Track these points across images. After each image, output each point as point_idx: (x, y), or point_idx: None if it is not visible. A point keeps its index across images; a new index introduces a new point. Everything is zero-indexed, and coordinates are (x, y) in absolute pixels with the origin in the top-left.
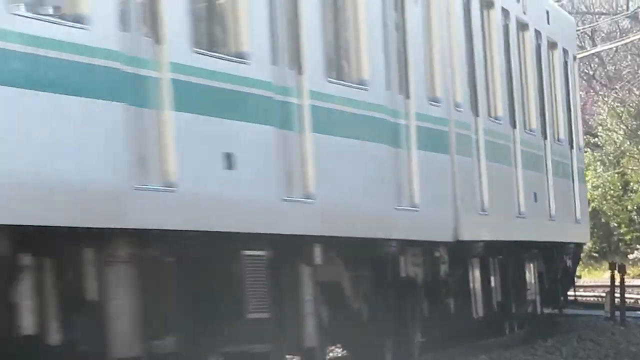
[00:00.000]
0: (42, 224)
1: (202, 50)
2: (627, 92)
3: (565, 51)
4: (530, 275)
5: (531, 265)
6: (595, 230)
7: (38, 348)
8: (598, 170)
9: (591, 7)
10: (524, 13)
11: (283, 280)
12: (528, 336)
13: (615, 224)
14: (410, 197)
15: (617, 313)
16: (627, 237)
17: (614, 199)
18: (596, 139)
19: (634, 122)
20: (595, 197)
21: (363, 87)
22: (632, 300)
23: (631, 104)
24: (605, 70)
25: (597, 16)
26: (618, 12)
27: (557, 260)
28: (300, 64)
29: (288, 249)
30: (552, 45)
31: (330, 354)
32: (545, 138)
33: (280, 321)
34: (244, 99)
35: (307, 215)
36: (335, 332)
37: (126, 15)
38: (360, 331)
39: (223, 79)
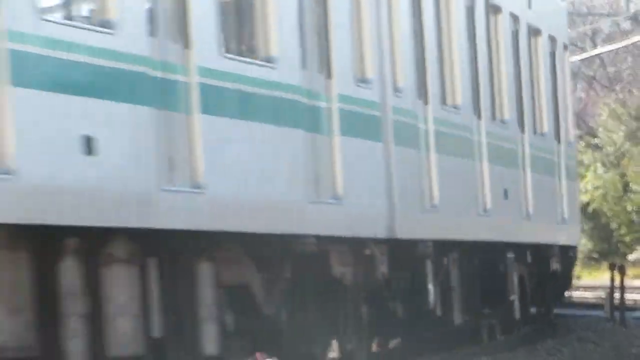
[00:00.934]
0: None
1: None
2: (627, 93)
3: (552, 39)
4: (507, 278)
5: (508, 267)
6: (596, 231)
7: None
8: (598, 171)
9: (592, 9)
10: None
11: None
12: (526, 338)
13: (616, 225)
14: (333, 188)
15: (617, 314)
16: (627, 238)
17: (614, 200)
18: (597, 139)
19: (634, 124)
20: (595, 197)
21: (269, 64)
22: (631, 302)
23: (632, 105)
24: (606, 71)
25: (597, 17)
26: (619, 13)
27: (541, 262)
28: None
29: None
30: (535, 32)
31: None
32: (523, 131)
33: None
34: None
35: (192, 208)
36: (246, 339)
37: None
38: (277, 339)
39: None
